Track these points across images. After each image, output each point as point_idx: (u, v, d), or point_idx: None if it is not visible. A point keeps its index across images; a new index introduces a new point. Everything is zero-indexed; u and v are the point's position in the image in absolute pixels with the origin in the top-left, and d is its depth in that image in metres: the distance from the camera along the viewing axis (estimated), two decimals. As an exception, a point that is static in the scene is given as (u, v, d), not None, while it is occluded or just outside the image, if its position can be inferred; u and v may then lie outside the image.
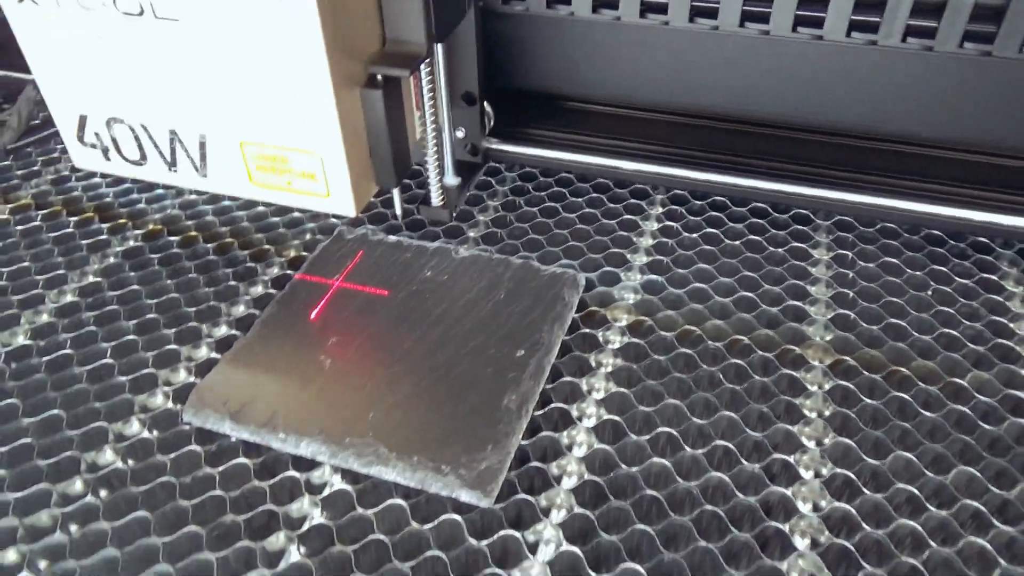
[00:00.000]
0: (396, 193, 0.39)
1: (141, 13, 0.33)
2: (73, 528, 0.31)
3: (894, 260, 0.42)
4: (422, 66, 0.35)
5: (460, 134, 0.43)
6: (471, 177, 0.44)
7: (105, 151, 0.39)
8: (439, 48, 0.36)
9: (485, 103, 0.43)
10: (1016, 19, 0.36)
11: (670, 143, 0.46)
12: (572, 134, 0.46)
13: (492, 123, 0.44)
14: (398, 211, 0.40)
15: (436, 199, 0.40)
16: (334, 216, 0.43)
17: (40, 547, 0.30)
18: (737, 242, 0.44)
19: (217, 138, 0.36)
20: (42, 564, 0.30)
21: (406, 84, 0.37)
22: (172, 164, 0.37)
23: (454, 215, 0.43)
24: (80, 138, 0.39)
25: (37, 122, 0.54)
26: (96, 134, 0.38)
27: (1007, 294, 0.40)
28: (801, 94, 0.44)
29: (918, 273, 0.41)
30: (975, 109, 0.42)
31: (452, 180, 0.42)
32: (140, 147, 0.37)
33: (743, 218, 0.46)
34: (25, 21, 0.36)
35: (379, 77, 0.34)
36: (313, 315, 0.38)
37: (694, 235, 0.44)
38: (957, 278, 0.41)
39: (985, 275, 0.41)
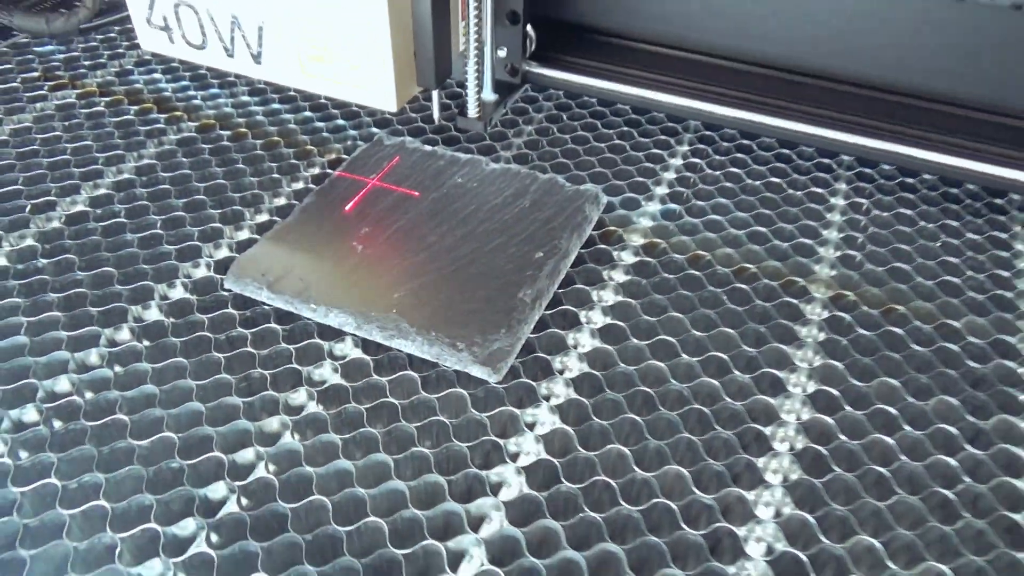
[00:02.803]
0: (435, 97, 0.41)
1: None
2: (117, 367, 0.34)
3: (908, 212, 0.44)
4: None
5: (502, 53, 0.45)
6: (508, 96, 0.46)
7: (170, 33, 0.41)
8: None
9: (528, 26, 0.45)
10: None
11: (699, 80, 0.47)
12: (607, 64, 0.48)
13: (533, 47, 0.46)
14: (435, 114, 0.42)
15: (472, 110, 0.42)
16: (375, 109, 0.45)
17: (88, 378, 0.34)
18: (758, 182, 0.45)
19: (274, 27, 0.38)
20: (88, 394, 0.33)
21: None
22: (230, 51, 0.40)
23: (488, 128, 0.45)
24: (148, 19, 0.41)
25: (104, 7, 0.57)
26: (163, 16, 0.41)
27: (1015, 251, 0.41)
28: (833, 44, 0.45)
29: (930, 225, 0.43)
30: (1005, 71, 0.43)
31: (490, 96, 0.44)
32: (203, 32, 0.40)
33: (766, 161, 0.47)
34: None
35: None
36: (348, 207, 0.41)
37: (717, 172, 0.46)
38: (968, 233, 0.42)
39: (996, 233, 0.42)
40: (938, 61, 0.45)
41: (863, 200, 0.44)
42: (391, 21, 0.36)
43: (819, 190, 0.45)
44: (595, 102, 0.52)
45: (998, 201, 0.45)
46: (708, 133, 0.49)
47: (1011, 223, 0.43)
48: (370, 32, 0.36)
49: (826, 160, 0.47)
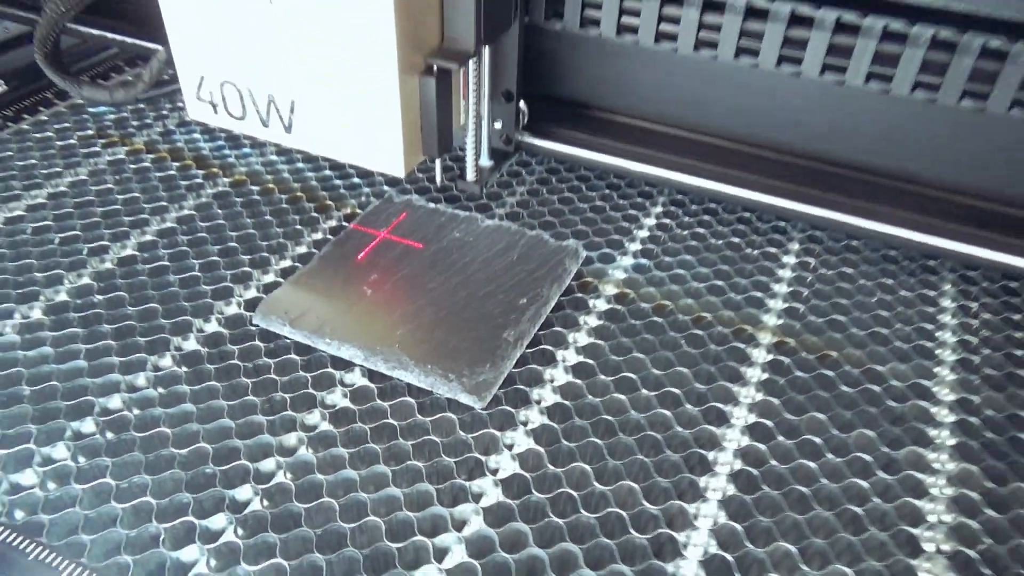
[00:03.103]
0: (438, 164, 0.48)
1: (264, -2, 0.44)
2: (160, 389, 0.41)
3: (850, 270, 0.50)
4: (470, 63, 0.44)
5: (498, 125, 0.52)
6: (503, 162, 0.53)
7: (214, 107, 0.49)
8: (486, 50, 0.46)
9: (521, 102, 0.52)
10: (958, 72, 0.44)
11: (674, 152, 0.54)
12: (591, 136, 0.55)
13: (526, 120, 0.53)
14: (438, 179, 0.49)
15: (471, 175, 0.49)
16: (385, 174, 0.52)
17: (136, 398, 0.40)
18: (720, 241, 0.52)
19: (303, 104, 0.46)
20: (136, 410, 0.39)
21: (456, 76, 0.46)
22: (266, 122, 0.47)
23: (484, 190, 0.52)
24: (198, 95, 0.49)
25: (166, 78, 0.65)
26: (210, 92, 0.48)
27: (939, 308, 0.47)
28: (790, 121, 0.52)
29: (869, 283, 0.49)
30: (929, 149, 0.49)
31: (486, 162, 0.51)
32: (243, 106, 0.47)
33: (729, 223, 0.54)
34: (171, -1, 0.47)
35: (434, 68, 0.43)
36: (360, 256, 0.48)
37: (685, 232, 0.53)
38: (902, 291, 0.48)
39: (926, 291, 0.48)
40: (882, 139, 0.51)
41: (811, 259, 0.50)
42: (401, 102, 0.43)
43: (773, 250, 0.51)
44: (581, 167, 0.58)
45: (930, 263, 0.51)
46: (679, 197, 0.56)
47: (940, 283, 0.49)
48: (383, 111, 0.43)
49: (781, 223, 0.54)
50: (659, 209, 0.55)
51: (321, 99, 0.45)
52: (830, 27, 0.45)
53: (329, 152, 0.47)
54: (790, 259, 0.51)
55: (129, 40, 0.68)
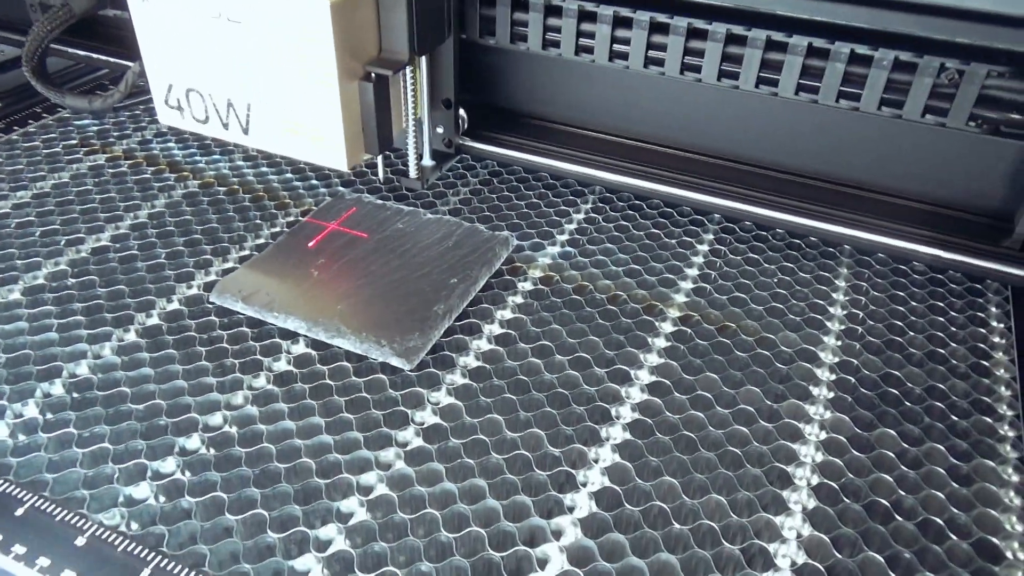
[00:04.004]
0: (380, 161, 0.54)
1: (219, 16, 0.49)
2: (124, 358, 0.45)
3: (756, 256, 0.55)
4: (407, 71, 0.50)
5: (440, 130, 0.58)
6: (444, 162, 0.58)
7: (181, 111, 0.54)
8: (423, 60, 0.51)
9: (460, 109, 0.58)
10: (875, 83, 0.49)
11: (602, 153, 0.59)
12: (527, 140, 0.60)
13: (466, 125, 0.59)
14: (380, 175, 0.55)
15: (412, 172, 0.54)
16: (334, 170, 0.58)
17: (101, 363, 0.45)
18: (641, 232, 0.57)
19: (258, 107, 0.52)
20: (99, 375, 0.44)
21: (394, 83, 0.52)
22: (226, 124, 0.53)
23: (425, 186, 0.57)
24: (166, 100, 0.54)
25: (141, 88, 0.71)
26: (177, 98, 0.54)
27: (834, 287, 0.52)
28: (698, 124, 0.58)
29: (772, 266, 0.54)
30: (826, 148, 0.55)
31: (428, 162, 0.56)
32: (206, 110, 0.53)
33: (651, 217, 0.59)
34: (143, 16, 0.53)
35: (372, 74, 0.49)
36: (311, 244, 0.53)
37: (610, 224, 0.58)
38: (800, 272, 0.53)
39: (823, 273, 0.53)
40: (793, 142, 0.57)
41: (722, 247, 0.56)
42: (342, 106, 0.49)
43: (689, 239, 0.56)
44: (521, 169, 0.64)
45: (831, 248, 0.56)
46: (608, 195, 0.61)
47: (837, 266, 0.54)
48: (326, 113, 0.49)
49: (699, 216, 0.59)
50: (588, 206, 0.60)
51: (273, 103, 0.51)
52: (721, 39, 0.51)
53: (282, 150, 0.53)
54: (704, 247, 0.56)
55: (112, 60, 0.74)
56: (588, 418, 0.42)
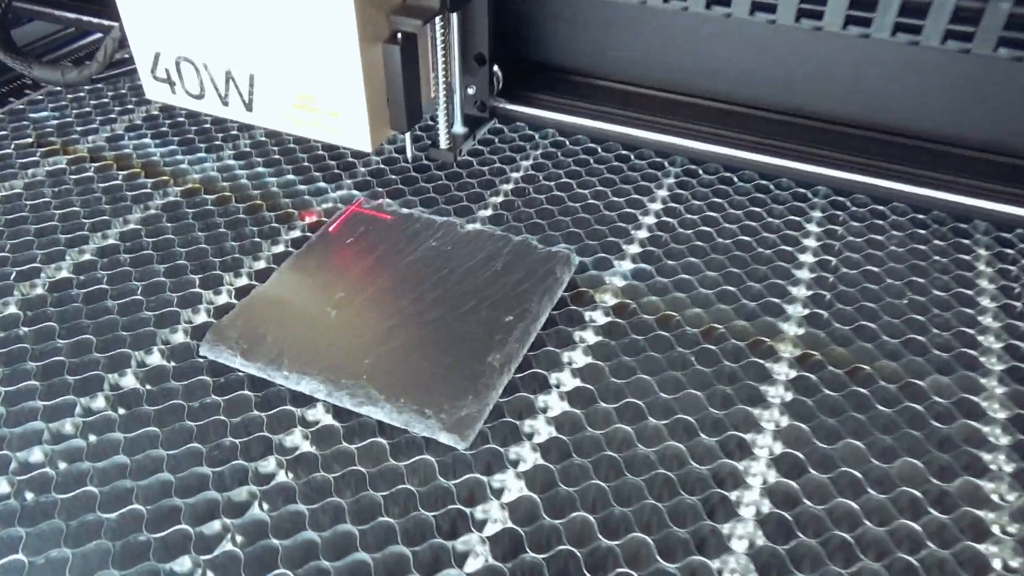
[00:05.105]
0: (408, 138, 0.43)
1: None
2: (92, 437, 0.35)
3: (879, 237, 0.44)
4: (438, 23, 0.39)
5: (471, 91, 0.47)
6: (477, 128, 0.48)
7: (172, 85, 0.44)
8: (454, 15, 0.40)
9: (495, 67, 0.47)
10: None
11: (656, 114, 0.49)
12: (569, 100, 0.50)
13: (501, 85, 0.48)
14: (409, 154, 0.44)
15: (444, 142, 0.43)
16: (349, 149, 0.48)
17: (62, 449, 0.34)
18: (733, 227, 0.46)
19: (263, 78, 0.41)
20: (62, 465, 0.34)
21: (423, 43, 0.41)
22: (225, 100, 0.42)
23: (458, 158, 0.48)
24: (153, 73, 0.44)
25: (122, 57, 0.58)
26: (166, 70, 0.43)
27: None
28: (786, 79, 0.47)
29: (900, 249, 0.43)
30: (962, 107, 0.44)
31: (460, 129, 0.46)
32: (200, 84, 0.42)
33: (742, 205, 0.48)
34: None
35: (398, 35, 0.38)
36: (325, 271, 0.42)
37: (694, 218, 0.47)
38: (935, 256, 0.43)
39: (961, 255, 0.44)
40: (902, 99, 0.46)
41: (836, 227, 0.46)
42: (364, 73, 0.38)
43: (791, 231, 0.46)
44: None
45: (962, 225, 0.46)
46: (686, 178, 0.50)
47: (975, 246, 0.44)
48: (346, 83, 0.39)
49: (802, 190, 0.48)
50: (664, 192, 0.49)
51: (281, 73, 0.40)
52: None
53: (292, 128, 0.42)
54: (812, 240, 0.45)
55: (84, 18, 0.62)
56: (704, 512, 0.32)
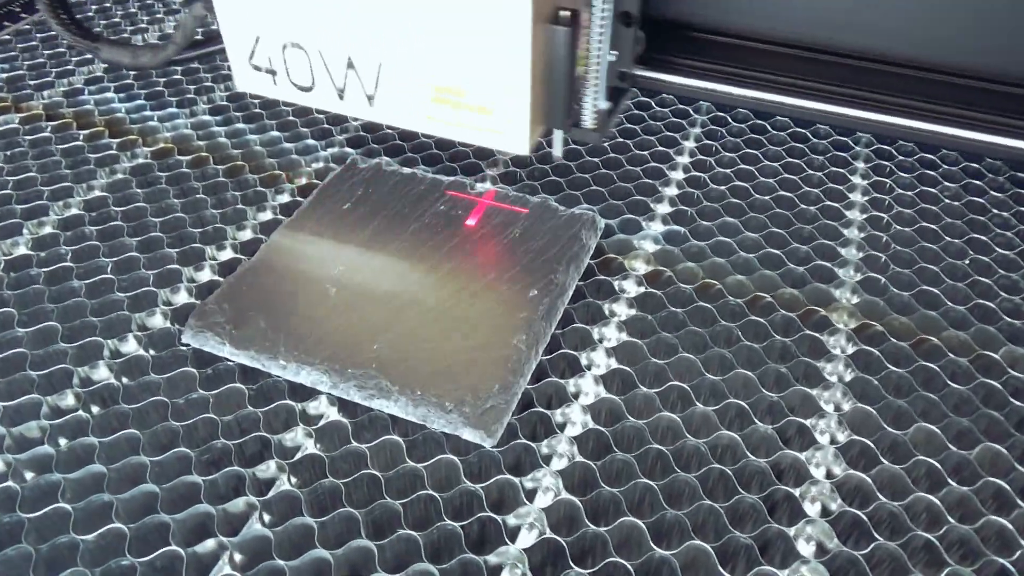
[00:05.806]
0: (559, 133, 0.37)
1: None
2: (62, 441, 0.30)
3: (931, 189, 0.40)
4: None
5: (612, 58, 0.40)
6: (619, 102, 0.41)
7: (273, 75, 0.36)
8: None
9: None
10: None
11: (797, 75, 0.43)
12: (721, 66, 0.43)
13: (641, 49, 0.41)
14: (557, 152, 0.38)
15: (589, 121, 0.37)
16: (502, 152, 0.43)
17: (27, 457, 0.30)
18: (771, 181, 0.42)
19: (392, 67, 0.34)
20: (28, 475, 0.29)
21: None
22: (341, 92, 0.35)
23: (603, 139, 0.42)
24: (251, 61, 0.36)
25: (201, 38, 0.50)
26: (268, 57, 0.36)
27: None
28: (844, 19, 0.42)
29: (955, 203, 0.39)
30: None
31: (604, 104, 0.39)
32: (312, 73, 0.35)
33: (778, 156, 0.43)
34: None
35: (560, 15, 0.31)
36: (319, 242, 0.37)
37: (727, 171, 0.42)
38: (993, 208, 0.39)
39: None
40: (955, 33, 0.41)
41: (884, 179, 0.41)
42: (532, 63, 0.32)
43: (837, 184, 0.41)
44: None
45: (1021, 175, 0.42)
46: (713, 127, 0.45)
47: None
48: (507, 72, 0.32)
49: (842, 138, 0.44)
50: (691, 143, 0.44)
51: (417, 60, 0.33)
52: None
53: (425, 127, 0.35)
54: (859, 196, 0.41)
55: None
56: (767, 511, 0.28)
